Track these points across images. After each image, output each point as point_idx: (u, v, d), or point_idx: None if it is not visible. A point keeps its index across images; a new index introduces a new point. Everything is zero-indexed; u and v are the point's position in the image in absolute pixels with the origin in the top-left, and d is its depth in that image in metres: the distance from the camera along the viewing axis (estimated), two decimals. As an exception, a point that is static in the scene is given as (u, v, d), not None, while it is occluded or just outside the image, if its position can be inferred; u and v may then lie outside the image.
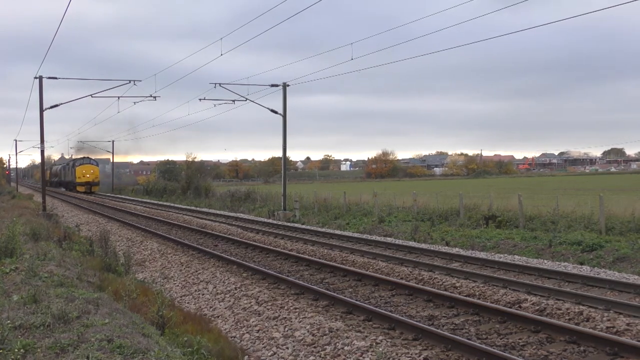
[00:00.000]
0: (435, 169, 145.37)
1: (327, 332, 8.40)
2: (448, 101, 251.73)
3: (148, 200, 49.13)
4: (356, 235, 20.84)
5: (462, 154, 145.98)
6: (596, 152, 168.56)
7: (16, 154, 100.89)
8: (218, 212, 32.87)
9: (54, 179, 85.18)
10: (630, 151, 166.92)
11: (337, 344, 7.92)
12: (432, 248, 16.69)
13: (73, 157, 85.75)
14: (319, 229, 22.78)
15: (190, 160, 79.90)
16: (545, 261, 14.50)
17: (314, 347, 8.01)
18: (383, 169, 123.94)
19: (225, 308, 10.71)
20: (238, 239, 19.12)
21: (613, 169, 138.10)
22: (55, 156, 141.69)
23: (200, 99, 32.97)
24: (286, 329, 8.89)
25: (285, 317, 9.42)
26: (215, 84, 30.89)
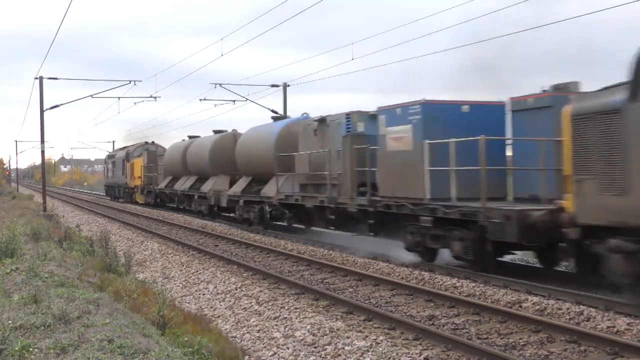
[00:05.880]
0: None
1: (328, 332, 8.40)
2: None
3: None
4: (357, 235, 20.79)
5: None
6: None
7: (16, 154, 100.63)
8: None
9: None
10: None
11: (338, 344, 7.92)
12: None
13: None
14: (319, 229, 22.72)
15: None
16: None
17: (315, 347, 8.01)
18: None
19: (226, 308, 10.72)
20: (238, 239, 19.13)
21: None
22: (56, 156, 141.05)
23: (200, 100, 32.58)
24: (287, 329, 8.89)
25: (286, 317, 9.42)
26: (216, 84, 30.90)
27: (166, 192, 33.12)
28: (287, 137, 20.13)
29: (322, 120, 17.25)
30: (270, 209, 20.39)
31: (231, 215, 25.63)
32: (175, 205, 32.81)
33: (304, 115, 20.68)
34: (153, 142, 43.23)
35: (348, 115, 16.00)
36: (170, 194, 32.58)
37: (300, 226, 20.78)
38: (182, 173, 30.86)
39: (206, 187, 26.50)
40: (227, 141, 26.67)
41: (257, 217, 21.19)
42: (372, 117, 15.45)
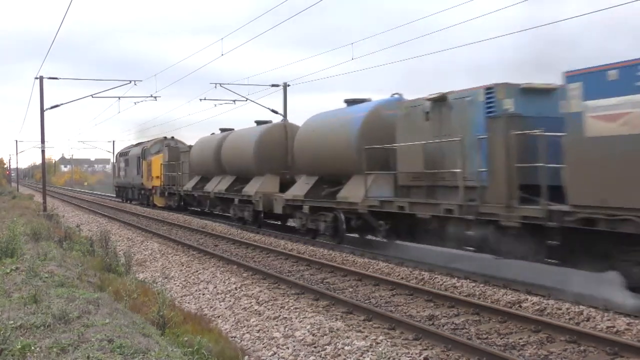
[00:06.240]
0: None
1: (328, 332, 8.41)
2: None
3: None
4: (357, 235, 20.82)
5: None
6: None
7: (17, 154, 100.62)
8: (218, 212, 29.41)
9: None
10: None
11: (338, 343, 7.93)
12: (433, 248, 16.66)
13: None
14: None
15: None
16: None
17: (314, 347, 8.02)
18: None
19: (226, 308, 10.72)
20: (238, 239, 19.14)
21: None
22: (56, 156, 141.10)
23: (200, 99, 32.88)
24: (286, 329, 8.90)
25: (286, 317, 9.43)
26: (216, 84, 30.99)
27: (194, 195, 28.51)
28: (376, 124, 15.36)
29: (440, 99, 12.71)
30: (348, 218, 15.98)
31: (280, 222, 22.28)
32: (204, 210, 29.39)
33: (395, 95, 15.78)
34: (173, 137, 37.47)
35: (489, 90, 11.63)
36: (199, 197, 28.12)
37: (378, 239, 16.31)
38: (215, 172, 26.22)
39: (250, 188, 21.82)
40: (276, 133, 22.15)
41: (330, 229, 16.66)
42: (524, 91, 11.53)
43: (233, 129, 26.99)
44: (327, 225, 16.73)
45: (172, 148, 33.09)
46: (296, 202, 18.29)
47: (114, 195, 50.71)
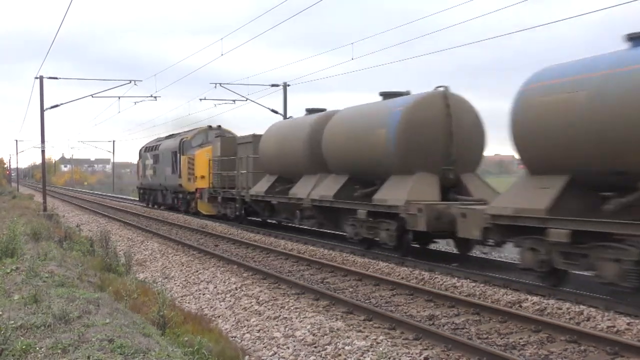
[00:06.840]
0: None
1: (328, 331, 8.41)
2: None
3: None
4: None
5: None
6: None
7: (17, 154, 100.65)
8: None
9: None
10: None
11: (338, 343, 7.93)
12: (433, 248, 16.67)
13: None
14: (320, 229, 22.70)
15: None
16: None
17: (315, 347, 8.02)
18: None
19: (226, 308, 10.73)
20: (238, 239, 19.14)
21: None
22: (56, 156, 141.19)
23: (200, 99, 32.85)
24: (287, 328, 8.90)
25: (286, 317, 9.43)
26: (216, 83, 30.97)
27: (270, 202, 20.24)
28: None
29: None
30: None
31: (419, 245, 15.04)
32: (277, 222, 22.69)
33: None
34: (219, 126, 29.95)
35: None
36: (279, 206, 19.87)
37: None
38: (305, 170, 18.45)
39: (391, 194, 14.07)
40: (432, 109, 14.09)
41: (634, 277, 8.67)
42: None
43: (325, 109, 19.33)
44: (624, 271, 8.79)
45: (227, 139, 25.70)
46: (523, 221, 10.34)
47: (137, 200, 42.22)
